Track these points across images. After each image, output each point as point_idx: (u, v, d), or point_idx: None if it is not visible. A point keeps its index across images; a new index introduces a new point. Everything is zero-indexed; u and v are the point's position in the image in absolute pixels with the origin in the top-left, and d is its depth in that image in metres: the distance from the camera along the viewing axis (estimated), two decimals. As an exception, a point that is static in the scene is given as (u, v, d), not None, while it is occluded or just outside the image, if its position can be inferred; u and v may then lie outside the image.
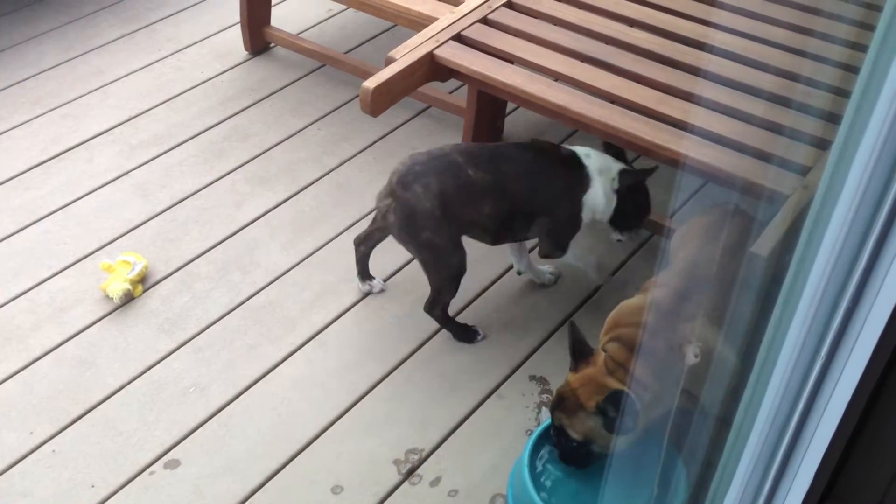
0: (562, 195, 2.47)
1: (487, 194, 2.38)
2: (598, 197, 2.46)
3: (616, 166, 2.48)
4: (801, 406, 0.94)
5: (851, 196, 0.84)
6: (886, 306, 0.80)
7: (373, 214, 2.58)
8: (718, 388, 1.67)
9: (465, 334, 2.58)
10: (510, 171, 2.42)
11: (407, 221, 2.37)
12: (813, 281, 0.86)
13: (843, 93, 2.01)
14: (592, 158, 2.48)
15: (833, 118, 2.15)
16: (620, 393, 1.95)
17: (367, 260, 2.68)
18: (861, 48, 0.93)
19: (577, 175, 2.46)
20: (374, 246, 2.65)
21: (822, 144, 2.16)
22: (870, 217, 0.82)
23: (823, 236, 0.85)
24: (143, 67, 3.67)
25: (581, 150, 2.50)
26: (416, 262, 2.61)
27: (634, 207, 2.53)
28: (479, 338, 2.59)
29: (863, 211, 0.82)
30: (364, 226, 2.92)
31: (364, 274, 2.70)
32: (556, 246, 2.55)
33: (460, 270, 2.46)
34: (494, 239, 2.52)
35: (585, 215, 2.49)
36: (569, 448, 2.09)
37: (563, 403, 2.07)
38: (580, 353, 2.09)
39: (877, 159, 0.83)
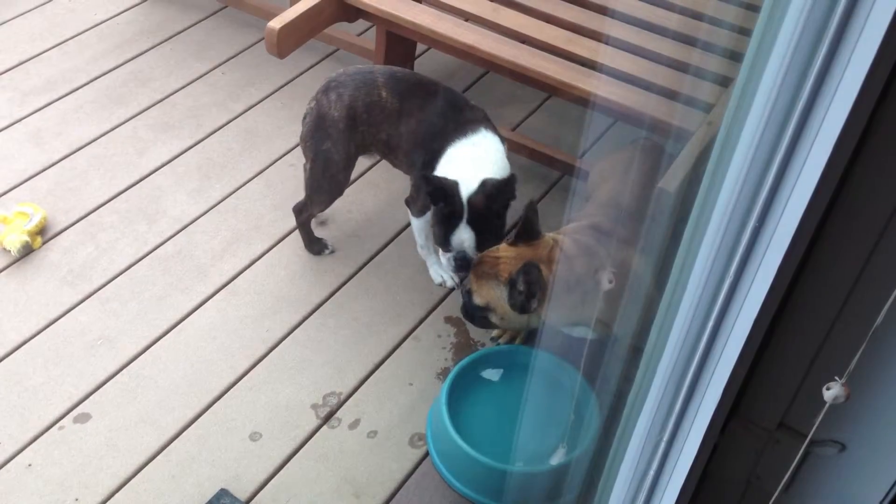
0: (428, 147, 2.34)
1: (388, 120, 2.35)
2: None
3: (483, 174, 2.21)
4: (710, 324, 0.97)
5: (757, 119, 0.86)
6: (791, 222, 0.83)
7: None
8: (633, 315, 1.73)
9: (314, 246, 2.64)
10: (415, 106, 2.36)
11: (315, 126, 2.36)
12: (722, 200, 0.88)
13: (745, 31, 2.06)
14: (480, 146, 2.27)
15: (735, 56, 2.20)
16: (536, 268, 2.00)
17: None
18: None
19: (452, 134, 2.31)
20: None
21: (725, 82, 2.21)
22: (775, 137, 0.84)
23: (732, 158, 0.87)
24: (33, 9, 3.48)
25: (484, 136, 2.30)
26: (330, 212, 2.59)
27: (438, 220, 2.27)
28: (326, 251, 2.64)
29: (769, 131, 0.85)
30: (274, 171, 2.88)
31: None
32: (412, 200, 2.47)
33: (339, 190, 2.48)
34: (389, 161, 2.52)
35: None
36: (471, 306, 2.20)
37: (480, 266, 2.15)
38: (526, 233, 2.14)
39: (779, 87, 0.86)
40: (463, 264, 2.28)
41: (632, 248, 2.07)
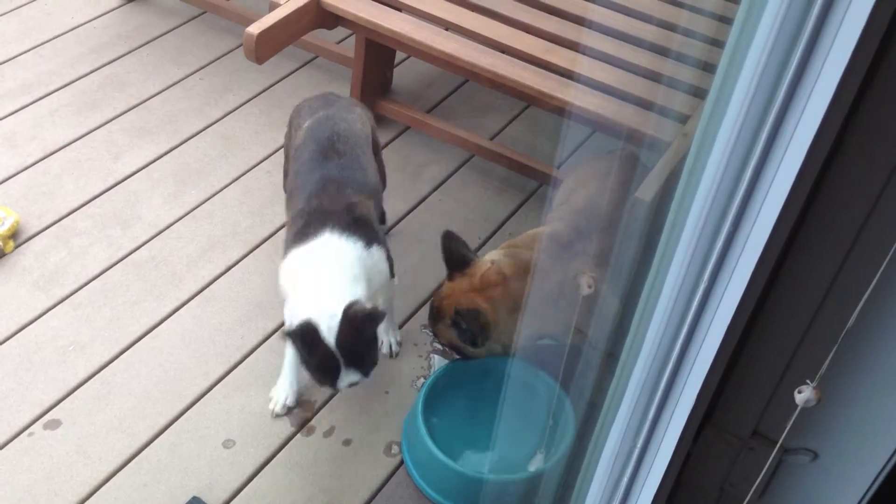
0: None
1: (291, 146, 2.31)
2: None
3: (344, 297, 1.95)
4: (684, 331, 0.97)
5: (731, 127, 0.87)
6: (765, 227, 0.84)
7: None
8: (606, 324, 1.73)
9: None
10: (302, 152, 2.23)
11: None
12: (696, 207, 0.89)
13: (720, 44, 2.09)
14: (333, 259, 2.03)
15: (711, 68, 2.22)
16: (468, 311, 2.08)
17: None
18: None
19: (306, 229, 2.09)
20: None
21: (701, 93, 2.23)
22: (748, 146, 0.85)
23: (706, 165, 0.88)
24: (8, 12, 3.44)
25: (339, 241, 2.04)
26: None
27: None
28: None
29: (742, 140, 0.85)
30: (251, 178, 2.87)
31: None
32: None
33: (285, 181, 2.43)
34: None
35: None
36: (443, 346, 2.27)
37: (433, 311, 2.21)
38: (455, 263, 2.17)
39: (752, 95, 0.87)
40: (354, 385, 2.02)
41: (589, 258, 2.09)
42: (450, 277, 2.19)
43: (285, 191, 2.38)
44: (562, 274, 2.06)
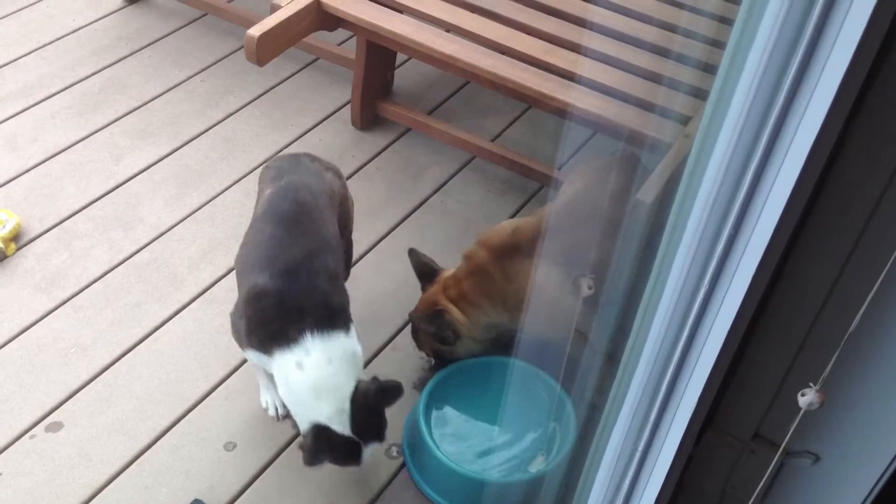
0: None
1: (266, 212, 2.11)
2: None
3: (344, 388, 1.89)
4: (685, 334, 0.97)
5: (731, 128, 0.87)
6: (766, 230, 0.84)
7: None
8: (593, 323, 1.73)
9: None
10: (265, 222, 2.06)
11: None
12: (697, 209, 0.89)
13: (721, 45, 2.08)
14: (326, 364, 1.90)
15: (712, 69, 2.21)
16: (430, 314, 2.19)
17: None
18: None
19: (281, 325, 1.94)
20: None
21: (702, 94, 2.23)
22: (750, 147, 0.85)
23: (706, 167, 0.88)
24: (9, 15, 3.44)
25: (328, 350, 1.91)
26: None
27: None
28: None
29: (743, 141, 0.85)
30: (252, 180, 2.87)
31: None
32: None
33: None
34: None
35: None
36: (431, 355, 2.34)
37: (412, 325, 2.31)
38: (425, 275, 2.28)
39: (753, 97, 0.87)
40: None
41: (564, 257, 2.11)
42: (423, 290, 2.29)
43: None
44: (538, 271, 2.09)
